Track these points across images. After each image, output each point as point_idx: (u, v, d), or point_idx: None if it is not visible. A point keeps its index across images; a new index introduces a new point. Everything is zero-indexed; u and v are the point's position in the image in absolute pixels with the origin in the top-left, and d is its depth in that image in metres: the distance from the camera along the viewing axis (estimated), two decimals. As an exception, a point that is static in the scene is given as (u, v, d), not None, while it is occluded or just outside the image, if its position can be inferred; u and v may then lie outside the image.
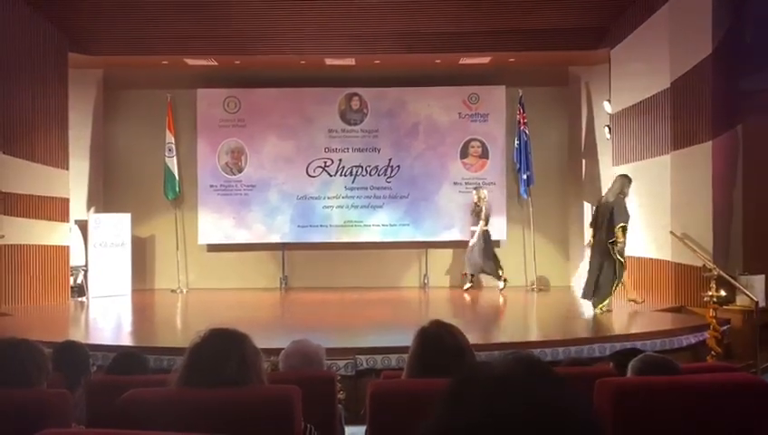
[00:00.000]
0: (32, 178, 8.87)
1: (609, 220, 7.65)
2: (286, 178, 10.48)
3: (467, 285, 9.93)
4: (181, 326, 8.42)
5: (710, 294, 6.73)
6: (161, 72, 10.31)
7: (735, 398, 1.94)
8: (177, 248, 10.44)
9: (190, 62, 9.90)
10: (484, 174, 10.48)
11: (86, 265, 9.65)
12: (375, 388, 2.27)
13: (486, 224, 9.84)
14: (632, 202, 8.97)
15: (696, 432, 1.88)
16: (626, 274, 7.86)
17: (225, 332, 2.18)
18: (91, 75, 10.19)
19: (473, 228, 9.89)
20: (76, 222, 9.77)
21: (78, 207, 9.89)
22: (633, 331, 6.75)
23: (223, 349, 2.11)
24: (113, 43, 9.36)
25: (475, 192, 9.98)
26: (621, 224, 7.63)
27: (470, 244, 9.84)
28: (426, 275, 10.51)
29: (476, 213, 9.91)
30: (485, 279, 10.14)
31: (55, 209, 9.21)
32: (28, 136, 8.83)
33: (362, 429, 2.64)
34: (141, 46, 9.36)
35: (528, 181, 10.11)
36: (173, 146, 10.29)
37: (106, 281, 9.60)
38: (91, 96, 10.32)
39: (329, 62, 9.96)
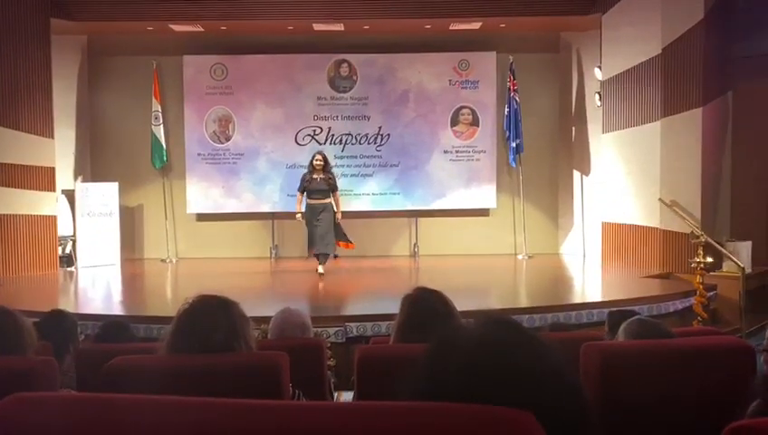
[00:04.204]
0: (17, 147, 8.75)
1: None
2: (275, 147, 10.40)
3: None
4: (171, 295, 8.42)
5: (697, 260, 6.79)
6: (146, 39, 10.12)
7: (722, 360, 1.95)
8: (166, 218, 10.39)
9: (176, 27, 9.71)
10: (474, 142, 10.44)
11: (74, 235, 9.60)
12: (363, 353, 2.28)
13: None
14: (621, 169, 8.99)
15: (682, 394, 1.89)
16: None
17: (212, 298, 2.17)
18: (74, 42, 9.99)
19: (318, 202, 8.25)
20: (63, 192, 9.69)
21: (65, 177, 9.80)
22: (621, 297, 6.81)
23: (210, 315, 2.10)
24: (96, 8, 9.16)
25: (319, 156, 8.39)
26: None
27: (317, 219, 8.23)
28: (416, 244, 10.53)
29: (324, 181, 8.28)
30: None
31: (41, 179, 9.11)
32: (12, 104, 8.69)
33: (352, 395, 2.66)
34: (125, 11, 9.17)
35: (517, 149, 10.07)
36: (159, 114, 10.16)
37: (94, 251, 9.56)
38: (75, 63, 10.14)
39: (317, 27, 9.81)
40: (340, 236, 8.50)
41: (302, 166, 10.32)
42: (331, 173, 8.49)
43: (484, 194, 10.42)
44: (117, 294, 8.39)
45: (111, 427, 0.81)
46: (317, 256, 8.40)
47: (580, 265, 9.76)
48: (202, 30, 9.85)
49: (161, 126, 10.17)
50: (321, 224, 8.22)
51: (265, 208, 10.41)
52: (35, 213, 9.02)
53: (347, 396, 3.28)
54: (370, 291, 7.72)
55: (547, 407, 0.79)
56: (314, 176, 8.30)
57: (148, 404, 0.85)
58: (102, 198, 9.71)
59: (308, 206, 8.32)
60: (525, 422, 0.75)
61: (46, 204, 9.19)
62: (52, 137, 9.28)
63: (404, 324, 2.43)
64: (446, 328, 0.91)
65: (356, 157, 10.43)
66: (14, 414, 0.82)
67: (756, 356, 2.08)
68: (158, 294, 8.48)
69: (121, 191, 9.93)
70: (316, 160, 8.33)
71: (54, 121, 9.31)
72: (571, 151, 10.47)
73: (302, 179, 8.42)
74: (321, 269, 8.33)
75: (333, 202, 8.38)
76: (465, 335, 0.87)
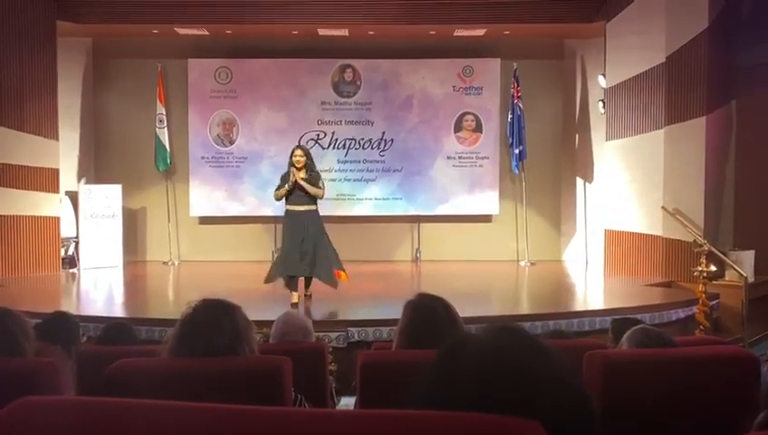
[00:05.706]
0: (21, 148, 8.78)
1: None
2: (278, 151, 10.38)
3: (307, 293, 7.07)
4: (173, 298, 8.42)
5: (700, 269, 6.78)
6: (152, 42, 10.15)
7: (726, 370, 1.95)
8: (169, 220, 10.40)
9: (181, 31, 9.74)
10: (477, 148, 10.45)
11: (77, 237, 9.61)
12: (366, 359, 2.28)
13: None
14: (624, 177, 8.99)
15: (685, 403, 1.89)
16: None
17: (216, 302, 2.18)
18: (80, 44, 10.03)
19: (299, 208, 6.81)
20: (66, 193, 9.71)
21: (68, 178, 9.82)
22: (623, 305, 6.80)
23: (214, 319, 2.11)
24: (102, 11, 9.19)
25: (300, 151, 6.82)
26: None
27: (303, 232, 6.79)
28: (418, 249, 10.53)
29: (307, 182, 6.74)
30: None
31: (45, 180, 9.13)
32: (17, 106, 8.72)
33: (354, 399, 2.65)
34: (130, 14, 9.19)
35: (520, 156, 10.07)
36: (164, 117, 10.18)
37: (97, 252, 9.57)
38: (80, 66, 10.17)
39: (322, 32, 9.83)
40: (336, 260, 6.90)
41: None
42: (315, 171, 6.89)
43: (486, 200, 10.42)
44: (119, 296, 8.39)
45: (117, 431, 0.82)
46: (291, 278, 6.76)
47: (582, 273, 9.74)
48: (207, 34, 9.88)
49: (165, 129, 10.19)
50: (309, 240, 6.70)
51: (268, 212, 10.39)
52: (38, 214, 9.03)
53: (349, 401, 3.27)
54: (372, 296, 7.71)
55: (554, 412, 0.80)
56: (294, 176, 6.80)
57: (154, 409, 0.85)
58: (106, 199, 9.73)
59: (287, 213, 6.87)
60: (531, 432, 0.75)
61: (49, 205, 9.21)
62: (57, 138, 9.30)
63: (406, 330, 2.43)
64: (455, 335, 0.92)
65: (359, 162, 10.44)
66: (21, 418, 0.82)
67: (760, 366, 2.07)
68: (161, 297, 8.48)
69: (125, 193, 9.95)
70: (295, 157, 6.74)
71: (59, 123, 9.34)
72: (574, 158, 10.47)
73: (282, 180, 6.95)
74: (296, 296, 6.75)
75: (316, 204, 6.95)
76: (474, 342, 0.87)
